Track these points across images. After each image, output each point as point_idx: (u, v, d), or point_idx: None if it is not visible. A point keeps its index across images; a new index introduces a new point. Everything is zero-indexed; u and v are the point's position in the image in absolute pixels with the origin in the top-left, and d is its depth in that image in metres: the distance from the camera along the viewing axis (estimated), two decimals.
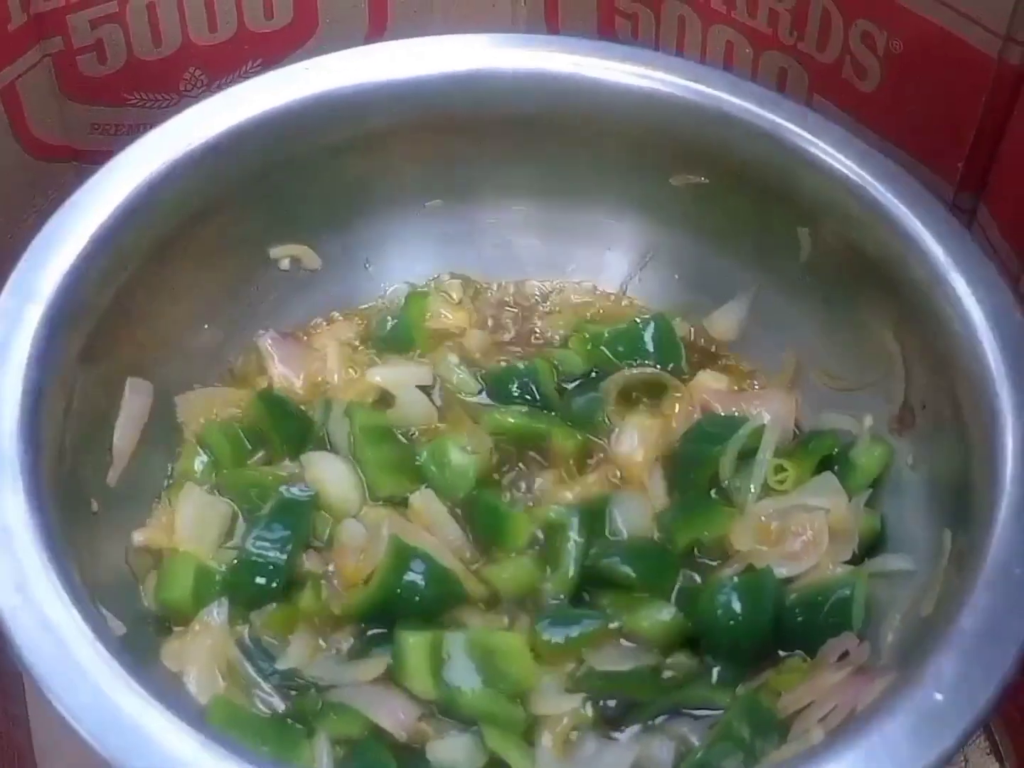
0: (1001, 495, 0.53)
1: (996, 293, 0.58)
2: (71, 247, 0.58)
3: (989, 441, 0.55)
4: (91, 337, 0.59)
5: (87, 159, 0.71)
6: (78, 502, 0.59)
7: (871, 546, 0.63)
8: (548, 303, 0.74)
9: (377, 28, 0.73)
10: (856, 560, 0.62)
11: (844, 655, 0.59)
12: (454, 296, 0.73)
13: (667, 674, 0.60)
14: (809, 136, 0.64)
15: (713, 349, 0.72)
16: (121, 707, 0.48)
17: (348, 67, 0.66)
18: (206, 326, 0.68)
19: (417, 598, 0.60)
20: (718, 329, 0.72)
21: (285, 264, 0.71)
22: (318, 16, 0.72)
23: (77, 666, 0.49)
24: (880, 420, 0.65)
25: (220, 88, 0.70)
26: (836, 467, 0.65)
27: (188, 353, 0.68)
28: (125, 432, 0.63)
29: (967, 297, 0.58)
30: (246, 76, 0.71)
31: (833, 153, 0.63)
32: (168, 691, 0.57)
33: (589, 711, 0.58)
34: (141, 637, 0.59)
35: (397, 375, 0.68)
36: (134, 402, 0.63)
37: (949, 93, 0.64)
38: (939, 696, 0.48)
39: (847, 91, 0.67)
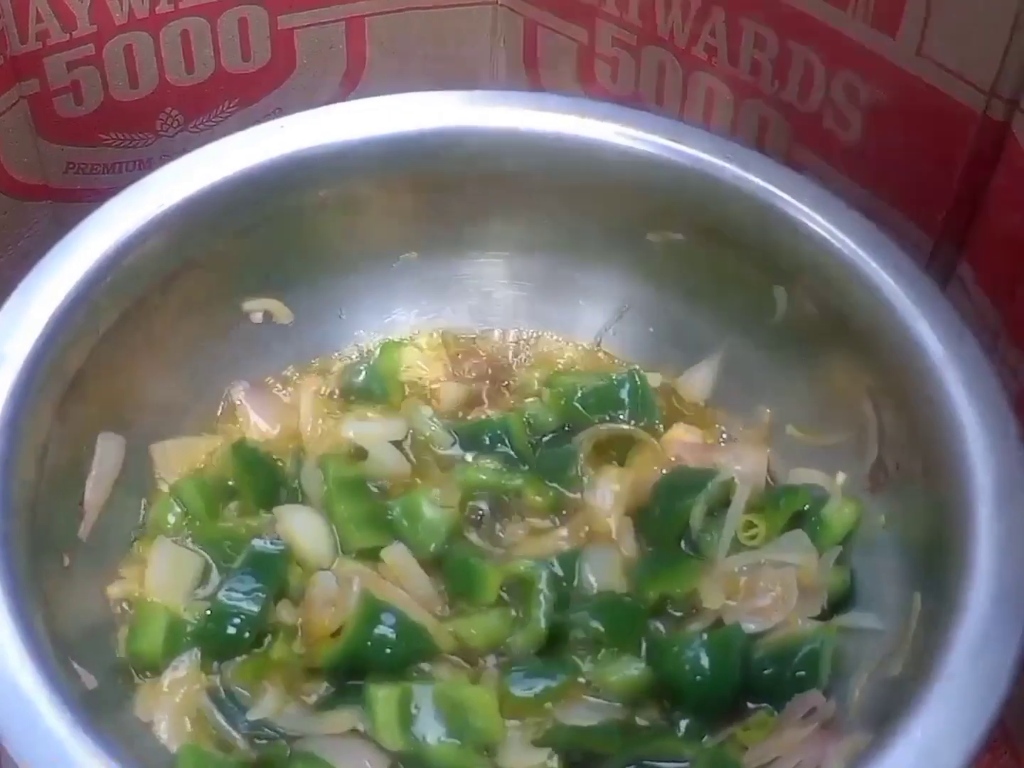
0: (973, 565, 0.53)
1: (973, 360, 0.58)
2: (43, 310, 0.58)
3: (962, 508, 0.55)
4: (64, 397, 0.59)
5: (62, 197, 0.71)
6: (50, 557, 0.59)
7: (840, 602, 0.63)
8: (523, 355, 0.74)
9: (355, 70, 0.73)
10: (825, 615, 0.62)
11: (811, 711, 0.59)
12: (428, 348, 0.73)
13: (634, 727, 0.60)
14: (787, 196, 0.64)
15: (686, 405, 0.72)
16: None
17: (324, 124, 0.65)
18: (179, 379, 0.68)
19: (387, 651, 0.60)
20: (690, 390, 0.72)
21: (258, 317, 0.70)
22: (296, 57, 0.71)
23: (46, 738, 0.49)
24: (853, 478, 0.65)
25: (196, 129, 0.71)
26: (807, 523, 0.65)
27: (161, 406, 0.67)
28: (97, 486, 0.63)
29: (943, 364, 0.58)
30: (222, 116, 0.71)
31: (811, 214, 0.63)
32: (137, 743, 0.58)
33: (556, 764, 0.59)
34: (113, 689, 0.60)
35: (370, 430, 0.68)
36: (106, 456, 0.63)
37: (931, 146, 0.64)
38: None
39: (828, 141, 0.67)
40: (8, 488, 0.55)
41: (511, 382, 0.72)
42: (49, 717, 0.49)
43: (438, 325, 0.74)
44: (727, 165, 0.64)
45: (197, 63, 0.69)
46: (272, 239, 0.68)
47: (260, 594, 0.62)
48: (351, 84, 0.73)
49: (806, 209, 0.63)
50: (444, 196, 0.70)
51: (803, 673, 0.60)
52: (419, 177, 0.68)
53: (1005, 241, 0.62)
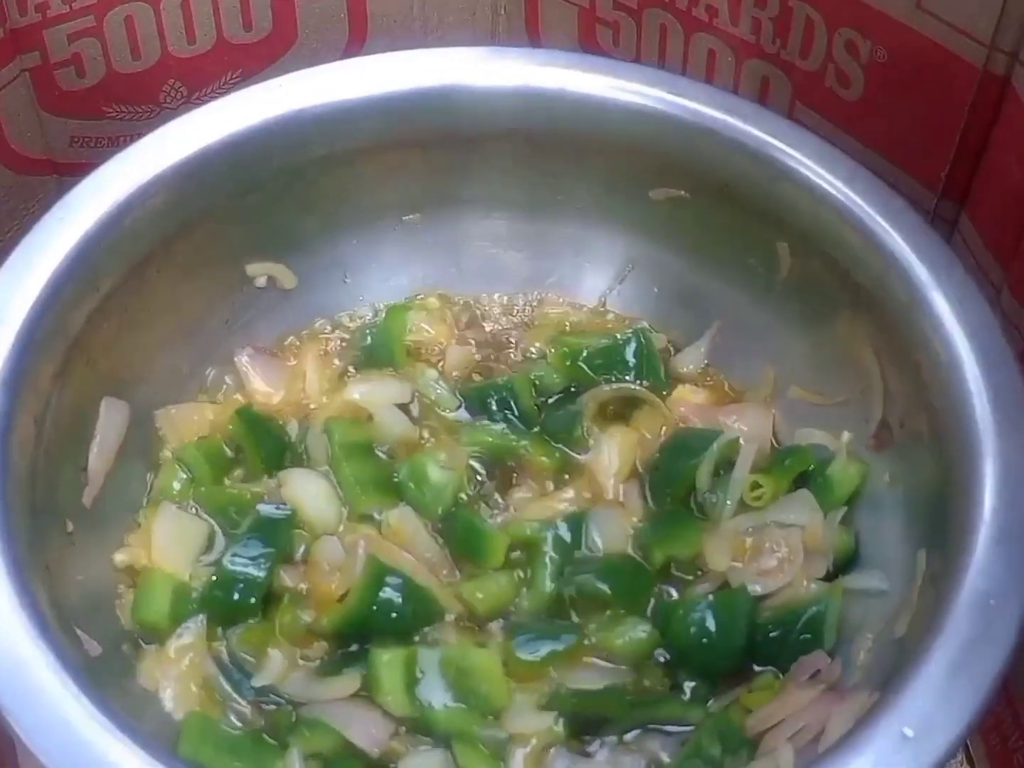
0: (978, 521, 0.53)
1: (978, 313, 0.58)
2: (42, 270, 0.58)
3: (967, 464, 0.55)
4: (64, 359, 0.59)
5: (67, 172, 0.71)
6: (52, 523, 0.59)
7: (845, 563, 0.63)
8: (528, 316, 0.74)
9: (357, 39, 0.73)
10: (830, 577, 0.62)
11: (816, 673, 0.59)
12: (433, 310, 0.73)
13: (640, 690, 0.60)
14: (791, 151, 0.63)
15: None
16: (89, 743, 0.48)
17: (324, 83, 0.65)
18: (183, 344, 0.68)
19: (393, 615, 0.60)
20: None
21: (262, 282, 0.70)
22: (297, 27, 0.72)
23: (45, 702, 0.49)
24: (858, 437, 0.65)
25: (199, 100, 0.71)
26: (812, 483, 0.65)
27: (166, 371, 0.68)
28: (101, 453, 0.63)
29: (948, 317, 0.58)
30: (225, 87, 0.71)
31: (815, 168, 0.63)
32: (142, 710, 0.58)
33: (561, 728, 0.59)
34: (118, 657, 0.60)
35: (375, 393, 0.68)
36: (110, 422, 0.63)
37: (933, 102, 0.63)
38: (909, 732, 0.48)
39: (830, 99, 0.67)
40: (6, 450, 0.55)
41: (516, 344, 0.73)
42: (48, 683, 0.49)
43: (443, 287, 0.74)
44: (730, 120, 0.64)
45: (198, 34, 0.69)
46: (273, 200, 0.68)
47: (265, 559, 0.62)
48: (353, 54, 0.73)
49: (809, 163, 0.63)
50: (446, 155, 0.69)
51: (808, 635, 0.60)
52: (420, 136, 0.68)
53: (1007, 196, 0.62)
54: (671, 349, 0.72)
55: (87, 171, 0.62)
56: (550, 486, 0.66)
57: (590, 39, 0.74)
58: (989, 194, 0.64)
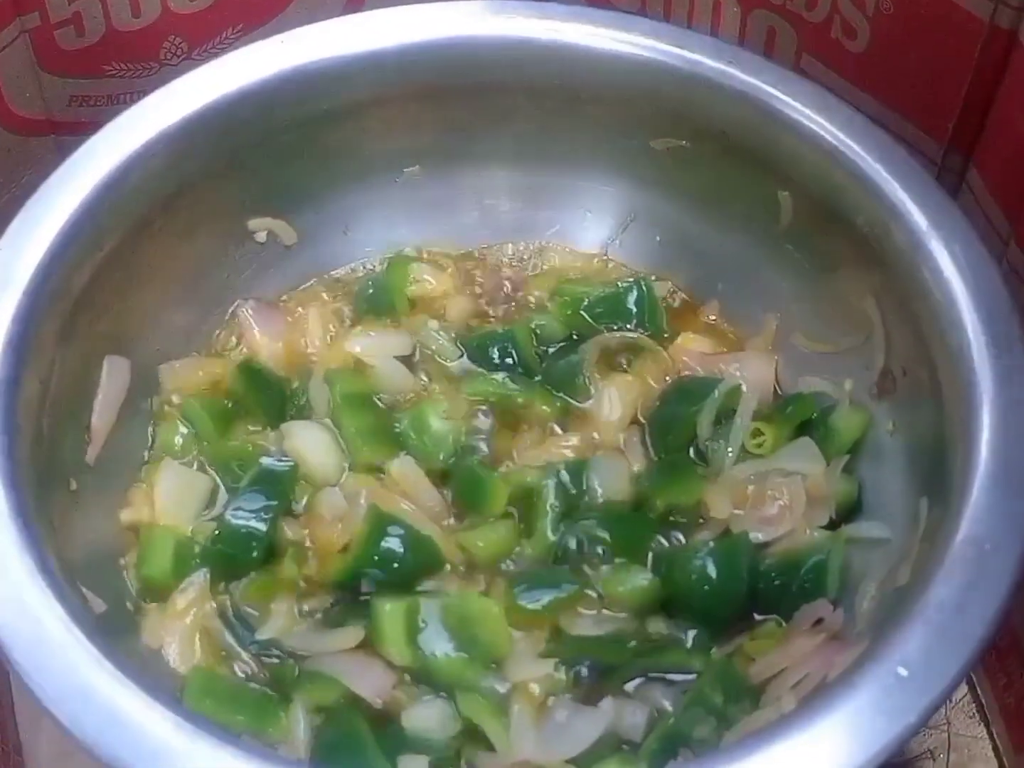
0: (975, 466, 0.53)
1: (978, 262, 0.58)
2: (46, 231, 0.59)
3: (965, 411, 0.55)
4: (68, 319, 0.60)
5: (66, 131, 0.71)
6: (56, 482, 0.59)
7: (848, 512, 0.63)
8: (529, 266, 0.74)
9: None
10: (833, 526, 0.62)
11: (819, 622, 0.59)
12: (435, 262, 0.73)
13: (642, 639, 0.60)
14: (791, 101, 0.63)
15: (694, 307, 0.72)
16: (96, 689, 0.48)
17: (325, 38, 0.66)
18: (185, 300, 0.68)
19: (395, 565, 0.60)
20: None
21: (262, 237, 0.71)
22: None
23: (52, 649, 0.49)
24: (861, 385, 0.65)
25: (200, 56, 0.71)
26: (815, 431, 0.64)
27: (167, 328, 0.68)
28: (103, 410, 0.63)
29: (948, 266, 0.58)
30: (226, 43, 0.71)
31: (816, 118, 0.63)
32: (147, 666, 0.58)
33: (563, 677, 0.59)
34: (122, 613, 0.60)
35: (376, 346, 0.68)
36: (112, 380, 0.64)
37: (939, 55, 0.63)
38: (904, 671, 0.48)
39: (836, 51, 0.67)
40: (14, 411, 0.55)
41: (518, 294, 0.73)
42: (55, 630, 0.49)
43: (444, 238, 0.74)
44: (730, 70, 0.64)
45: None
46: (274, 156, 0.68)
47: (267, 512, 0.62)
48: (354, 10, 0.72)
49: (811, 113, 0.63)
50: (445, 108, 0.69)
51: (810, 583, 0.60)
52: (419, 89, 0.68)
53: (1015, 149, 0.62)
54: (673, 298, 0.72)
55: (86, 130, 0.62)
56: (551, 435, 0.66)
57: None
58: (996, 147, 0.63)
